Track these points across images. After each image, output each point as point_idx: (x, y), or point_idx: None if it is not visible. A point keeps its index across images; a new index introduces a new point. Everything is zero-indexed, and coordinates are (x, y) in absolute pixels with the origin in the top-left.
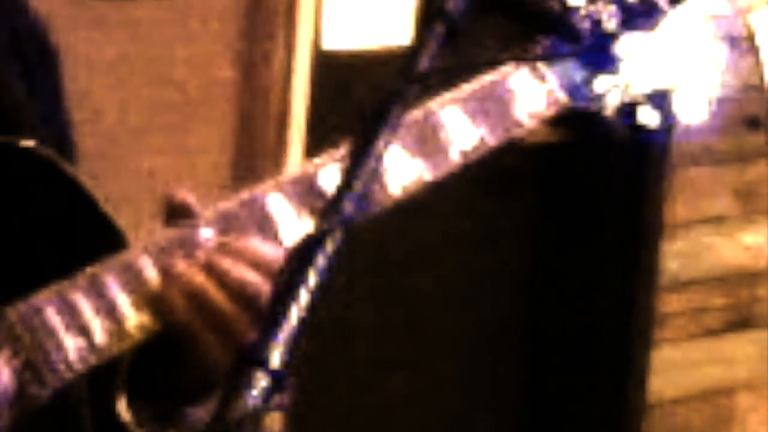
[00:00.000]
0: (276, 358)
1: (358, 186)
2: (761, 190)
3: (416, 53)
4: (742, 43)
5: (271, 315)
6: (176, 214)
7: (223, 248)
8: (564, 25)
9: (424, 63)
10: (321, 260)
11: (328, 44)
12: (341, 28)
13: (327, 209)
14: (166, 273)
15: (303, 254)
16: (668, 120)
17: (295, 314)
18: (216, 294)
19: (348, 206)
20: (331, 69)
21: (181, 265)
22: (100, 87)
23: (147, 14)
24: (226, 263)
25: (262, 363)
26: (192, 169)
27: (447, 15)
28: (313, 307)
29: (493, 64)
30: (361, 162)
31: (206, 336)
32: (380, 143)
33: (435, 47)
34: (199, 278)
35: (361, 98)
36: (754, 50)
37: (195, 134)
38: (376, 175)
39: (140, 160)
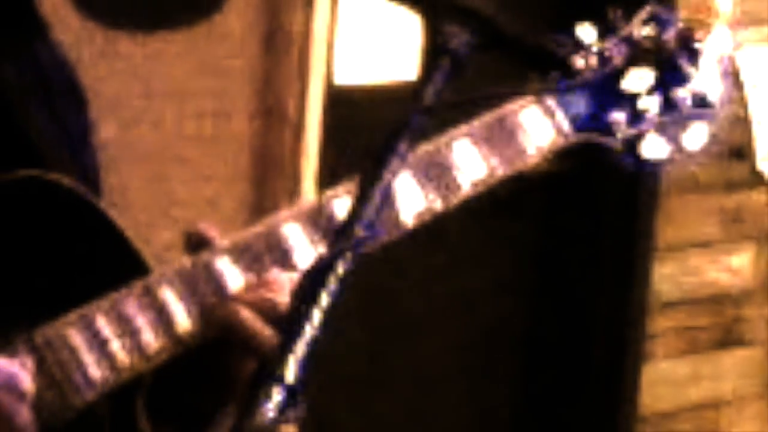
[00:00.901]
0: (291, 373)
1: (368, 212)
2: (745, 216)
3: (423, 87)
4: (729, 78)
5: (286, 333)
6: (196, 243)
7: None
8: (562, 63)
9: (430, 97)
10: (333, 281)
11: (340, 79)
12: (352, 64)
13: (338, 233)
14: (201, 304)
15: (316, 275)
16: (675, 152)
17: (308, 332)
18: (254, 321)
19: (358, 231)
20: (343, 102)
21: (214, 298)
22: (120, 119)
23: (167, 49)
24: (261, 295)
25: (278, 378)
26: (210, 200)
27: (451, 51)
28: (325, 326)
29: (496, 97)
30: (371, 189)
31: (237, 359)
32: (389, 171)
33: (440, 82)
34: (238, 306)
35: (371, 130)
36: (739, 85)
37: (212, 166)
38: (386, 202)
39: (161, 190)
